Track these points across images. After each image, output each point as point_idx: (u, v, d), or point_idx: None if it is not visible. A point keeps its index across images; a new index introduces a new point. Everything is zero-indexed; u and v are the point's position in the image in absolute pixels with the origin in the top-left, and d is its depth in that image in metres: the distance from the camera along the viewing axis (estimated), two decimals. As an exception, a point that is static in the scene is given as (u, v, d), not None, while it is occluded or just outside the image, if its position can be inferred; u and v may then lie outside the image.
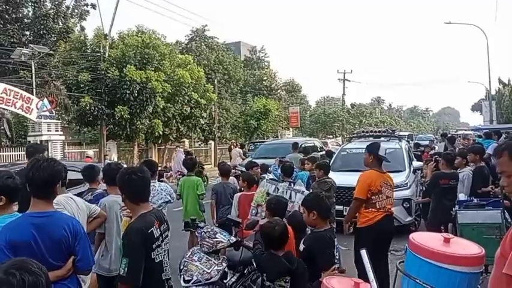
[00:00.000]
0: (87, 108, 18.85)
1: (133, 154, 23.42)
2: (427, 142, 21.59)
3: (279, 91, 44.56)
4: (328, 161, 7.45)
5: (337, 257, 3.36)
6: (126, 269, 2.56)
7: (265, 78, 42.90)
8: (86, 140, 24.58)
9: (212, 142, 29.91)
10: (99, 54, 19.97)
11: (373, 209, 4.77)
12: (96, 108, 19.19)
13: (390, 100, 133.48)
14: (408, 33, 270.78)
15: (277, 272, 3.17)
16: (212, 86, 25.76)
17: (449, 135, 12.93)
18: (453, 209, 5.10)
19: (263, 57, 47.37)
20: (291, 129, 42.83)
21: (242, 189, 6.01)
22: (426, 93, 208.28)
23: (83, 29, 26.62)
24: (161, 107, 20.42)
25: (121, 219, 3.94)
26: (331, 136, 47.66)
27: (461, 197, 5.50)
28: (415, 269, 2.21)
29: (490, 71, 44.32)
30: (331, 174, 8.54)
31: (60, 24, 25.34)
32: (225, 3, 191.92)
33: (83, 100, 18.92)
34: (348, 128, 50.01)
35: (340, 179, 7.62)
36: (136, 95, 19.38)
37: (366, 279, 3.68)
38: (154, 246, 2.70)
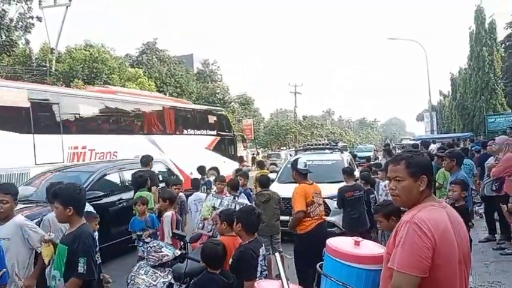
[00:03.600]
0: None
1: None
2: (367, 153, 22.84)
3: (232, 104, 45.07)
4: (267, 176, 7.81)
5: (264, 267, 3.61)
6: (85, 266, 3.00)
7: (218, 91, 43.30)
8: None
9: (165, 156, 29.73)
10: (45, 68, 19.51)
11: (309, 218, 5.27)
12: (43, 124, 18.65)
13: (340, 112, 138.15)
14: (356, 48, 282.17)
15: None
16: (164, 100, 25.72)
17: (385, 148, 13.90)
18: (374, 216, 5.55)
19: (216, 70, 47.79)
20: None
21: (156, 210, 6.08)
22: (375, 105, 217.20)
23: (27, 42, 25.81)
24: (111, 121, 20.16)
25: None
26: (284, 148, 48.63)
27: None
28: (331, 269, 2.57)
29: (430, 83, 47.06)
30: (278, 186, 8.93)
31: (4, 37, 24.42)
32: (176, 16, 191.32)
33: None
34: (301, 140, 51.26)
35: (286, 190, 7.99)
36: (85, 109, 19.03)
37: (305, 284, 4.00)
38: (96, 249, 3.24)
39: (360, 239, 2.63)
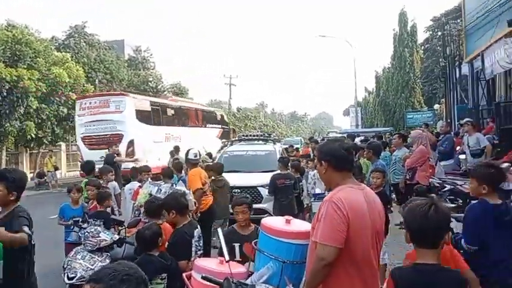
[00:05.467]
0: None
1: (0, 159, 21.29)
2: (294, 145, 24.44)
3: (165, 93, 44.09)
4: (222, 164, 8.20)
5: (199, 247, 3.78)
6: (29, 231, 2.99)
7: (150, 79, 42.08)
8: None
9: (94, 145, 28.55)
10: (-40, 48, 17.86)
11: (206, 196, 6.34)
12: (-44, 108, 17.18)
13: (273, 105, 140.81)
14: (289, 45, 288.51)
15: (154, 270, 3.38)
16: (93, 86, 24.70)
17: (310, 140, 15.24)
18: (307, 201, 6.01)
19: (148, 58, 46.29)
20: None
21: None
22: (306, 99, 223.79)
23: None
24: (34, 107, 19.05)
25: None
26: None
27: (318, 190, 6.52)
28: (264, 245, 2.85)
29: (357, 80, 49.57)
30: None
31: None
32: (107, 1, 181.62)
33: None
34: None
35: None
36: (5, 94, 17.87)
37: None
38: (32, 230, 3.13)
39: (290, 217, 2.94)
